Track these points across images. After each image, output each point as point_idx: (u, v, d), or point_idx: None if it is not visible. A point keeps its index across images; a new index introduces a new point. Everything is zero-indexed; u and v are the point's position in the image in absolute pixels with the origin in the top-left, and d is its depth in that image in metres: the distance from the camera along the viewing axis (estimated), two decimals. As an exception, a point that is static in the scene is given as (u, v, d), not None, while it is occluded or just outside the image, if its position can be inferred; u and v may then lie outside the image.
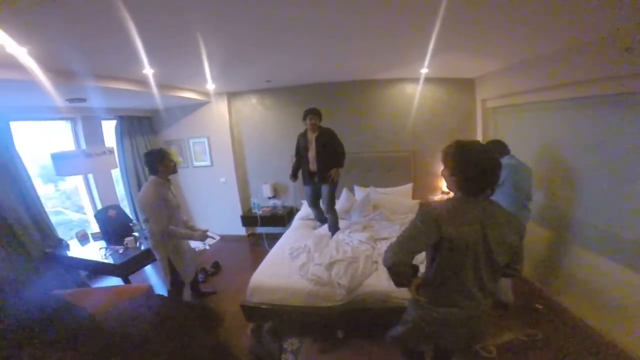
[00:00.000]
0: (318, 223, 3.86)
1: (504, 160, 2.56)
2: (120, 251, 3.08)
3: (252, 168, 5.04)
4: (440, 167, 4.30)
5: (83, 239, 3.45)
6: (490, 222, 1.32)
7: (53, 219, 3.49)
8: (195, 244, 3.10)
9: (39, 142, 3.77)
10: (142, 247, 3.13)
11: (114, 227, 3.45)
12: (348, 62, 3.27)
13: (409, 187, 4.37)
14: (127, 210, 4.33)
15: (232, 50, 2.33)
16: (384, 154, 4.44)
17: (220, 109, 4.66)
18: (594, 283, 2.48)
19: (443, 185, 4.36)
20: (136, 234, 3.34)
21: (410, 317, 1.61)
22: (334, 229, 3.48)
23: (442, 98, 4.28)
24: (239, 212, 4.92)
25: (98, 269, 3.20)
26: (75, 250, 3.26)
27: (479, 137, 4.19)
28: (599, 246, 2.44)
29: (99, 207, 3.91)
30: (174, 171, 2.75)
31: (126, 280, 2.96)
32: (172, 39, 1.94)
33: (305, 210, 4.26)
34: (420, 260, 1.67)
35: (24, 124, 3.46)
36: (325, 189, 3.43)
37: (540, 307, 2.81)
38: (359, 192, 4.38)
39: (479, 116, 4.19)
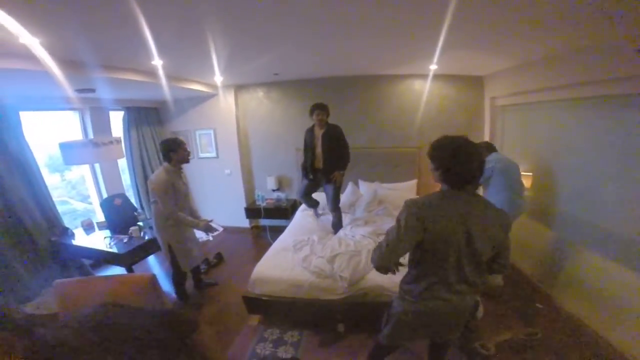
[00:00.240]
0: (312, 210, 3.91)
1: (492, 156, 2.88)
2: (125, 240, 3.12)
3: (257, 160, 5.06)
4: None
5: (88, 227, 3.50)
6: (473, 216, 1.33)
7: (58, 209, 3.54)
8: (199, 235, 3.15)
9: (46, 132, 3.81)
10: (147, 237, 3.17)
11: (119, 216, 3.49)
12: (356, 58, 3.24)
13: (413, 183, 4.35)
14: (133, 200, 4.38)
15: (240, 42, 2.32)
16: (390, 150, 4.42)
17: (227, 101, 4.67)
18: (596, 284, 2.47)
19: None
20: (141, 223, 3.38)
21: (395, 312, 1.61)
22: (338, 227, 3.49)
23: (450, 95, 4.25)
24: (243, 204, 4.95)
25: (102, 258, 3.25)
26: (80, 239, 3.31)
27: (486, 135, 4.17)
28: (603, 247, 2.42)
29: (105, 196, 3.96)
30: (187, 161, 2.82)
31: (130, 270, 3.00)
32: (182, 31, 1.93)
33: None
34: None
35: (33, 114, 3.49)
36: (329, 189, 3.38)
37: (541, 306, 2.81)
38: (364, 187, 4.37)
39: (487, 114, 4.15)
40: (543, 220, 3.15)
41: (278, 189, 4.93)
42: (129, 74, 2.85)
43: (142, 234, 3.24)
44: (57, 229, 3.36)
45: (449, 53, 2.81)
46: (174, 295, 3.17)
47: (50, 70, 2.13)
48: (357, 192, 4.33)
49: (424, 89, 4.21)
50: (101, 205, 3.59)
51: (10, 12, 1.39)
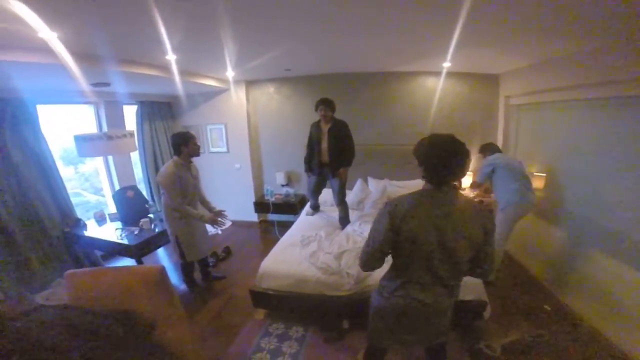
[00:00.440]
0: (311, 210, 3.96)
1: (494, 156, 3.10)
2: (136, 232, 3.17)
3: (267, 155, 5.08)
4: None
5: (100, 219, 3.57)
6: (450, 215, 1.30)
7: (72, 201, 3.61)
8: (209, 228, 3.19)
9: (61, 126, 3.90)
10: (157, 230, 3.22)
11: (130, 208, 3.55)
12: (368, 55, 3.21)
13: (423, 181, 4.30)
14: (144, 192, 4.46)
15: (251, 36, 2.31)
16: (401, 147, 4.36)
17: (238, 96, 4.69)
18: (607, 287, 2.42)
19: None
20: (151, 215, 3.43)
21: (372, 306, 1.61)
22: (345, 221, 3.50)
23: (463, 93, 4.18)
24: (252, 199, 4.98)
25: (113, 249, 3.31)
26: (92, 230, 3.38)
27: (500, 134, 4.10)
28: (615, 250, 2.37)
29: (117, 188, 4.04)
30: (197, 154, 2.87)
31: (139, 261, 3.04)
32: (194, 25, 1.93)
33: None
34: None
35: (49, 107, 3.56)
36: (335, 183, 3.43)
37: (549, 308, 2.78)
38: (373, 184, 4.35)
39: (501, 113, 4.08)
40: (554, 221, 3.09)
41: (287, 185, 4.95)
42: (144, 69, 2.89)
43: (152, 226, 3.29)
44: (71, 220, 3.44)
45: (463, 51, 2.77)
46: (183, 286, 3.23)
47: (67, 64, 2.17)
48: (366, 189, 4.31)
49: (436, 87, 4.14)
50: (113, 197, 3.66)
51: (31, 5, 1.41)
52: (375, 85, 4.33)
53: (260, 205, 4.82)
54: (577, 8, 1.63)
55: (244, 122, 4.77)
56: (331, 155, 3.35)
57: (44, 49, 1.95)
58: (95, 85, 3.10)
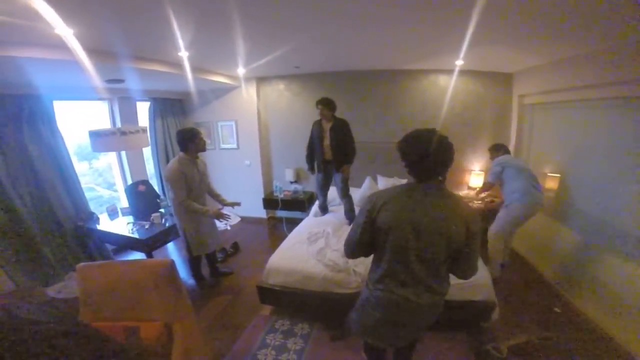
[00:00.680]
0: (319, 212, 3.98)
1: (502, 157, 3.17)
2: (146, 227, 3.22)
3: (276, 152, 5.10)
4: (468, 162, 4.19)
5: (113, 213, 3.64)
6: (428, 210, 1.29)
7: (86, 195, 3.70)
8: (218, 223, 3.23)
9: (76, 122, 3.97)
10: (167, 224, 3.27)
11: (142, 203, 3.62)
12: (379, 51, 3.19)
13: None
14: (156, 187, 4.54)
15: (262, 31, 2.29)
16: (411, 146, 4.34)
17: (249, 93, 4.72)
18: (619, 291, 2.36)
19: (470, 180, 4.24)
20: (162, 210, 3.49)
21: (359, 300, 1.61)
22: (350, 214, 3.56)
23: (475, 91, 4.11)
24: (261, 195, 5.01)
25: (124, 243, 3.38)
26: (105, 224, 3.45)
27: (513, 133, 4.02)
28: (629, 253, 2.30)
29: (130, 183, 4.12)
30: (203, 149, 2.88)
31: (149, 255, 3.10)
32: (206, 20, 1.94)
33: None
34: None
35: (64, 103, 3.64)
36: (338, 177, 3.52)
37: (559, 310, 2.73)
38: (382, 182, 4.32)
39: (514, 112, 4.00)
40: (567, 222, 3.04)
41: (296, 181, 4.96)
42: (156, 65, 2.93)
43: (163, 220, 3.34)
44: (84, 214, 3.52)
45: (477, 49, 2.72)
46: (191, 281, 3.28)
47: (82, 60, 2.21)
48: (375, 187, 4.28)
49: (448, 85, 4.08)
50: (126, 191, 3.73)
51: (50, 1, 1.44)
52: (386, 83, 4.29)
53: (269, 202, 4.85)
54: (594, 7, 1.59)
55: (254, 119, 4.80)
56: (334, 152, 3.45)
57: (60, 45, 1.99)
58: (110, 81, 3.16)
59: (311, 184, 4.93)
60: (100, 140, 3.18)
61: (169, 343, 1.69)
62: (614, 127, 2.53)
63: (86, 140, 3.16)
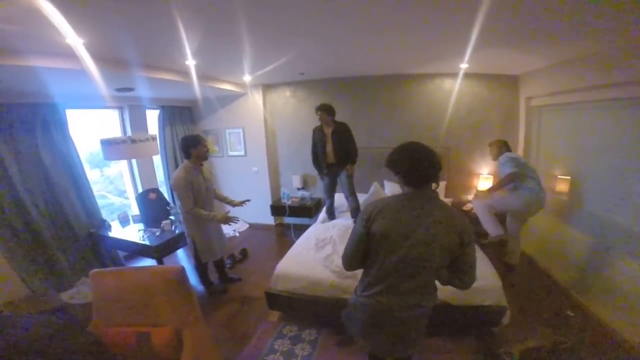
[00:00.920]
0: (326, 217, 4.01)
1: (513, 153, 3.20)
2: (157, 233, 3.27)
3: (283, 159, 5.13)
4: (476, 165, 4.14)
5: (124, 220, 3.70)
6: (421, 219, 1.30)
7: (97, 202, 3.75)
8: (226, 230, 3.25)
9: (88, 130, 4.06)
10: (177, 231, 3.31)
11: (152, 210, 3.67)
12: (383, 56, 3.21)
13: (441, 185, 4.24)
14: (166, 194, 4.60)
15: (267, 36, 2.31)
16: (417, 151, 4.32)
17: (255, 100, 4.78)
18: (632, 293, 2.31)
19: (478, 184, 4.20)
20: (172, 217, 3.53)
21: (349, 302, 1.62)
22: (356, 212, 3.63)
23: (481, 94, 4.09)
24: (269, 202, 5.04)
25: (135, 250, 3.42)
26: (116, 231, 3.51)
27: (521, 136, 3.99)
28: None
29: (140, 190, 4.18)
30: (205, 158, 2.89)
31: (160, 262, 3.14)
32: (214, 27, 1.97)
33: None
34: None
35: (77, 112, 3.73)
36: (343, 175, 3.65)
37: (572, 314, 2.68)
38: (389, 187, 4.31)
39: (521, 115, 3.96)
40: (579, 224, 2.99)
41: (303, 188, 4.98)
42: (165, 74, 3.00)
43: (173, 227, 3.38)
44: (96, 221, 3.59)
45: (481, 51, 2.72)
46: (200, 287, 3.30)
47: (95, 69, 2.29)
48: (381, 192, 4.27)
49: (453, 88, 4.09)
50: (136, 199, 3.79)
51: (63, 11, 1.49)
52: (391, 88, 4.30)
53: (277, 208, 4.86)
54: (602, 6, 1.58)
55: (261, 126, 4.85)
56: (337, 155, 3.61)
57: (72, 55, 2.06)
58: (120, 89, 3.24)
59: (318, 190, 4.95)
60: (112, 148, 3.23)
61: (179, 348, 1.70)
62: (624, 128, 2.49)
63: (98, 148, 3.23)
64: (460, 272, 1.38)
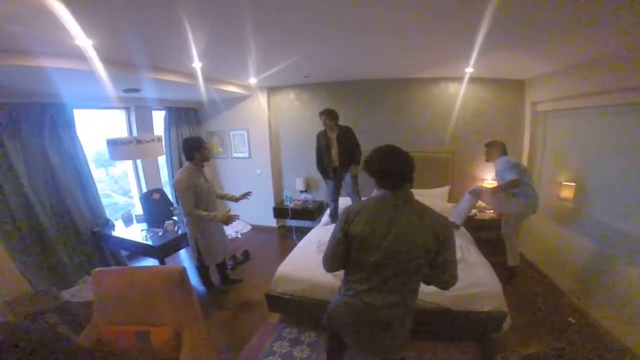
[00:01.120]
0: (329, 220, 4.05)
1: (512, 161, 3.12)
2: (160, 234, 3.29)
3: (287, 161, 5.15)
4: (480, 171, 4.10)
5: (128, 220, 3.73)
6: (396, 219, 1.34)
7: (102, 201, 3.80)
8: (229, 232, 3.26)
9: (94, 130, 4.11)
10: (180, 231, 3.33)
11: (156, 210, 3.70)
12: (389, 60, 3.20)
13: (445, 189, 4.21)
14: (170, 195, 4.63)
15: (272, 38, 2.31)
16: (422, 154, 4.29)
17: (260, 102, 4.81)
18: (635, 300, 2.27)
19: (483, 185, 4.17)
20: (175, 217, 3.56)
21: (332, 301, 1.64)
22: None
23: (486, 99, 4.07)
24: (272, 204, 5.05)
25: (138, 250, 3.45)
26: (120, 231, 3.54)
27: (526, 141, 3.96)
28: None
29: (145, 190, 4.22)
30: (207, 159, 2.92)
31: (162, 262, 3.16)
32: (220, 29, 1.99)
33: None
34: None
35: (84, 111, 3.78)
36: (348, 176, 3.74)
37: (573, 320, 2.65)
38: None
39: (527, 119, 3.93)
40: (582, 231, 2.95)
41: (305, 191, 4.99)
42: (172, 76, 3.04)
43: (176, 228, 3.41)
44: (100, 220, 3.63)
45: (487, 55, 2.70)
46: (201, 287, 3.32)
47: (102, 70, 2.33)
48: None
49: (458, 93, 4.08)
50: (140, 198, 3.82)
51: (73, 12, 1.51)
52: (396, 91, 4.30)
53: (280, 211, 4.87)
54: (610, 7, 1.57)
55: (265, 128, 4.88)
56: (342, 159, 3.68)
57: (81, 56, 2.09)
58: (127, 91, 3.28)
59: (321, 193, 4.96)
60: (118, 148, 3.27)
61: (178, 348, 1.71)
62: (631, 134, 2.46)
63: (103, 148, 3.27)
64: (439, 270, 1.39)
